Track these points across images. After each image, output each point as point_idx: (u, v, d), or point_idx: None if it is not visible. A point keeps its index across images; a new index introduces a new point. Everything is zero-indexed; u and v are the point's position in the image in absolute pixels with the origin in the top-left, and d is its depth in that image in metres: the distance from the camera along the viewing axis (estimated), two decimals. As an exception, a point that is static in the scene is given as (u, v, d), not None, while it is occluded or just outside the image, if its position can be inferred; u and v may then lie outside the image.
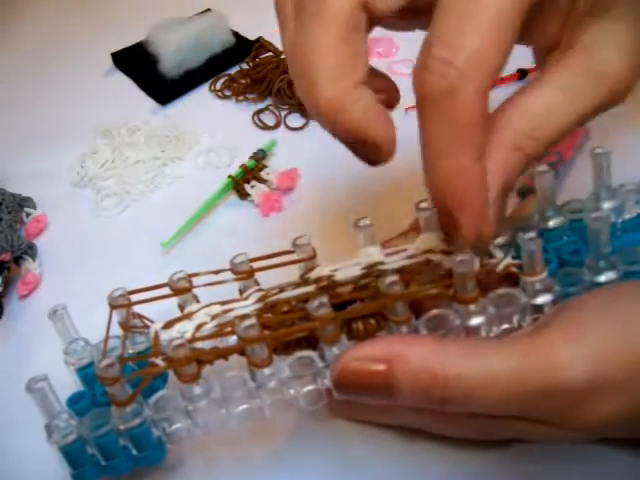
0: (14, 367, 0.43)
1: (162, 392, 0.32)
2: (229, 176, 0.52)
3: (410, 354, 0.28)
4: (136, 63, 0.65)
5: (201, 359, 0.31)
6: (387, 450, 0.35)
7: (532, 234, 0.30)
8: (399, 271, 0.33)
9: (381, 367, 0.28)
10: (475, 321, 0.31)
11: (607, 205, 0.34)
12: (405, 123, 0.55)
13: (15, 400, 0.41)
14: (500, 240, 0.34)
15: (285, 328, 0.31)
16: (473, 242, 0.29)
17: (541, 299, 0.31)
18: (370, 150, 0.30)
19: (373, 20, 0.29)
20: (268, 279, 0.34)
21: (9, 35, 0.72)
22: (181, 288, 0.34)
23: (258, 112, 0.58)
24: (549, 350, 0.27)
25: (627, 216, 0.34)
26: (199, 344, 0.32)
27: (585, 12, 0.29)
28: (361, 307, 0.31)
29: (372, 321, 0.31)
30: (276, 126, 0.57)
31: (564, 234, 0.34)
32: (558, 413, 0.28)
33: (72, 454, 0.32)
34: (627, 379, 0.27)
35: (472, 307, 0.31)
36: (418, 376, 0.28)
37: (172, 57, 0.61)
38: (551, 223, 0.34)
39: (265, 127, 0.57)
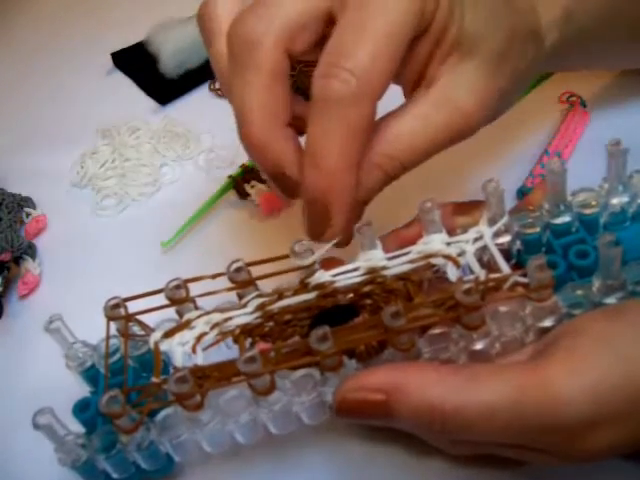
0: (14, 367, 0.43)
1: (167, 411, 0.32)
2: (229, 176, 0.52)
3: (409, 386, 0.28)
4: (136, 63, 0.64)
5: (203, 388, 0.30)
6: (387, 451, 0.35)
7: (541, 260, 0.29)
8: (401, 278, 0.32)
9: (380, 397, 0.29)
10: (479, 346, 0.31)
11: (618, 200, 0.34)
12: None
13: (15, 400, 0.41)
14: (507, 238, 0.34)
15: (286, 338, 0.31)
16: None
17: (547, 322, 0.30)
18: (288, 184, 0.34)
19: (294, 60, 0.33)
20: (267, 281, 0.34)
21: (9, 35, 0.71)
22: (177, 299, 0.33)
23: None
24: (549, 385, 0.27)
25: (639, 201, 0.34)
26: (200, 358, 0.32)
27: (448, 53, 0.34)
28: (363, 336, 0.30)
29: (374, 343, 0.30)
30: None
31: (572, 227, 0.34)
32: (557, 445, 0.28)
33: (84, 472, 0.33)
34: (628, 411, 0.27)
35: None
36: (417, 408, 0.28)
37: (172, 57, 0.61)
38: (558, 220, 0.34)
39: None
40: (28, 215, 0.52)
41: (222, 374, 0.30)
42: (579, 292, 0.31)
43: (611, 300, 0.31)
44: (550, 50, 0.37)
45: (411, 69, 0.35)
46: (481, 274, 0.31)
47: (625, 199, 0.34)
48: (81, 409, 0.34)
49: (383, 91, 0.31)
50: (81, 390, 0.36)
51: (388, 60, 0.31)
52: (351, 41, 0.30)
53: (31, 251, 0.49)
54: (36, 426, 0.31)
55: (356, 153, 0.31)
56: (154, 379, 0.31)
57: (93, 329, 0.35)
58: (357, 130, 0.31)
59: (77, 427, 0.34)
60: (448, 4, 0.33)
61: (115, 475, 0.33)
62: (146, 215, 0.52)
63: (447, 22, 0.33)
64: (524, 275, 0.30)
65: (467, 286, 0.29)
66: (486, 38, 0.34)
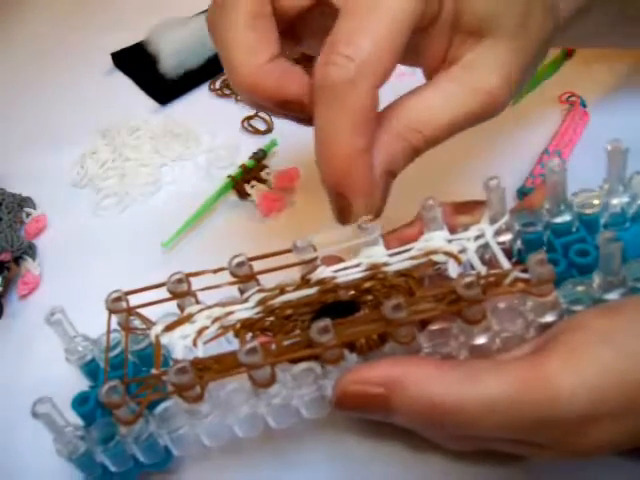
0: (14, 366, 0.43)
1: (167, 403, 0.32)
2: (229, 176, 0.52)
3: (408, 380, 0.28)
4: (136, 63, 0.65)
5: (204, 380, 0.30)
6: (386, 448, 0.35)
7: (542, 255, 0.29)
8: (402, 274, 0.32)
9: (379, 390, 0.29)
10: (480, 340, 0.31)
11: (618, 200, 0.34)
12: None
13: (16, 399, 0.41)
14: (508, 236, 0.34)
15: (287, 333, 0.31)
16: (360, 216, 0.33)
17: (548, 318, 0.30)
18: (294, 108, 0.34)
19: (285, 15, 0.35)
20: (268, 276, 0.34)
21: (9, 35, 0.72)
22: (179, 292, 0.33)
23: (248, 118, 0.58)
24: (549, 380, 0.27)
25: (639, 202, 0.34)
26: (200, 352, 0.31)
27: (468, 34, 0.34)
28: (364, 329, 0.30)
29: (374, 336, 0.30)
30: (268, 131, 0.57)
31: (573, 226, 0.34)
32: (557, 440, 0.28)
33: (81, 464, 0.32)
34: (628, 407, 0.27)
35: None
36: (416, 403, 0.28)
37: (172, 57, 0.61)
38: (559, 219, 0.34)
39: (257, 132, 0.57)
40: (28, 215, 0.52)
41: (223, 366, 0.30)
42: (579, 288, 0.31)
43: (611, 296, 0.30)
44: (567, 20, 0.37)
45: (431, 55, 0.35)
46: (482, 270, 0.31)
47: (625, 199, 0.34)
48: (80, 403, 0.34)
49: (384, 77, 0.31)
50: (80, 388, 0.36)
51: (389, 47, 0.31)
52: (352, 28, 0.31)
53: (31, 251, 0.49)
54: (35, 415, 0.31)
55: (362, 139, 0.31)
56: (154, 371, 0.31)
57: (93, 328, 0.35)
58: (359, 116, 0.31)
59: (76, 423, 0.34)
60: None
61: (113, 468, 0.33)
62: (146, 215, 0.52)
63: (459, 5, 0.33)
64: (525, 271, 0.30)
65: (468, 280, 0.29)
66: (501, 16, 0.33)
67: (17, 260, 0.48)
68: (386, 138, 0.33)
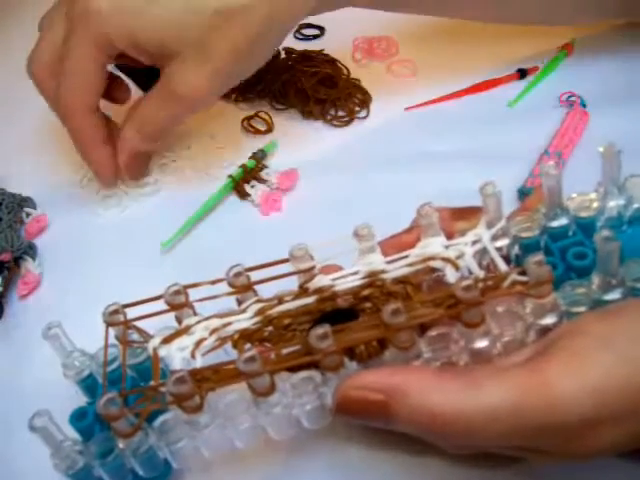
0: (14, 367, 0.43)
1: (166, 416, 0.32)
2: (229, 176, 0.52)
3: (409, 390, 0.28)
4: (136, 63, 0.64)
5: (202, 389, 0.30)
6: (388, 457, 0.35)
7: (540, 256, 0.29)
8: (400, 281, 0.32)
9: (379, 397, 0.29)
10: (480, 344, 0.31)
11: (615, 203, 0.34)
12: (405, 123, 0.56)
13: (15, 400, 0.41)
14: (505, 242, 0.34)
15: (285, 342, 0.31)
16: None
17: (547, 320, 0.30)
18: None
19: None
20: (266, 286, 0.34)
21: (9, 35, 0.71)
22: (177, 304, 0.33)
23: (248, 118, 0.57)
24: (550, 386, 0.27)
25: (635, 205, 0.34)
26: (199, 364, 0.31)
27: (163, 58, 0.46)
28: (364, 335, 0.30)
29: (374, 343, 0.30)
30: (267, 131, 0.57)
31: (569, 230, 0.34)
32: (558, 445, 0.28)
33: (79, 479, 0.32)
34: (630, 411, 0.27)
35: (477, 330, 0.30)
36: (415, 412, 0.28)
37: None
38: (555, 223, 0.34)
39: (257, 132, 0.57)
40: (28, 215, 0.52)
41: (221, 376, 0.30)
42: (579, 290, 0.31)
43: (611, 297, 0.30)
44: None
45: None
46: (480, 274, 0.31)
47: (621, 202, 0.34)
48: (78, 418, 0.34)
49: (89, 104, 0.48)
50: (81, 397, 0.36)
51: (83, 87, 0.47)
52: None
53: (31, 251, 0.49)
54: (32, 428, 0.31)
55: (97, 142, 0.49)
56: (152, 383, 0.31)
57: (93, 329, 0.35)
58: (82, 131, 0.49)
59: (74, 437, 0.33)
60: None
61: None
62: (146, 215, 0.52)
63: (138, 41, 0.45)
64: (522, 274, 0.30)
65: (467, 282, 0.29)
66: (178, 40, 0.44)
67: (17, 260, 0.48)
68: (122, 138, 0.49)
